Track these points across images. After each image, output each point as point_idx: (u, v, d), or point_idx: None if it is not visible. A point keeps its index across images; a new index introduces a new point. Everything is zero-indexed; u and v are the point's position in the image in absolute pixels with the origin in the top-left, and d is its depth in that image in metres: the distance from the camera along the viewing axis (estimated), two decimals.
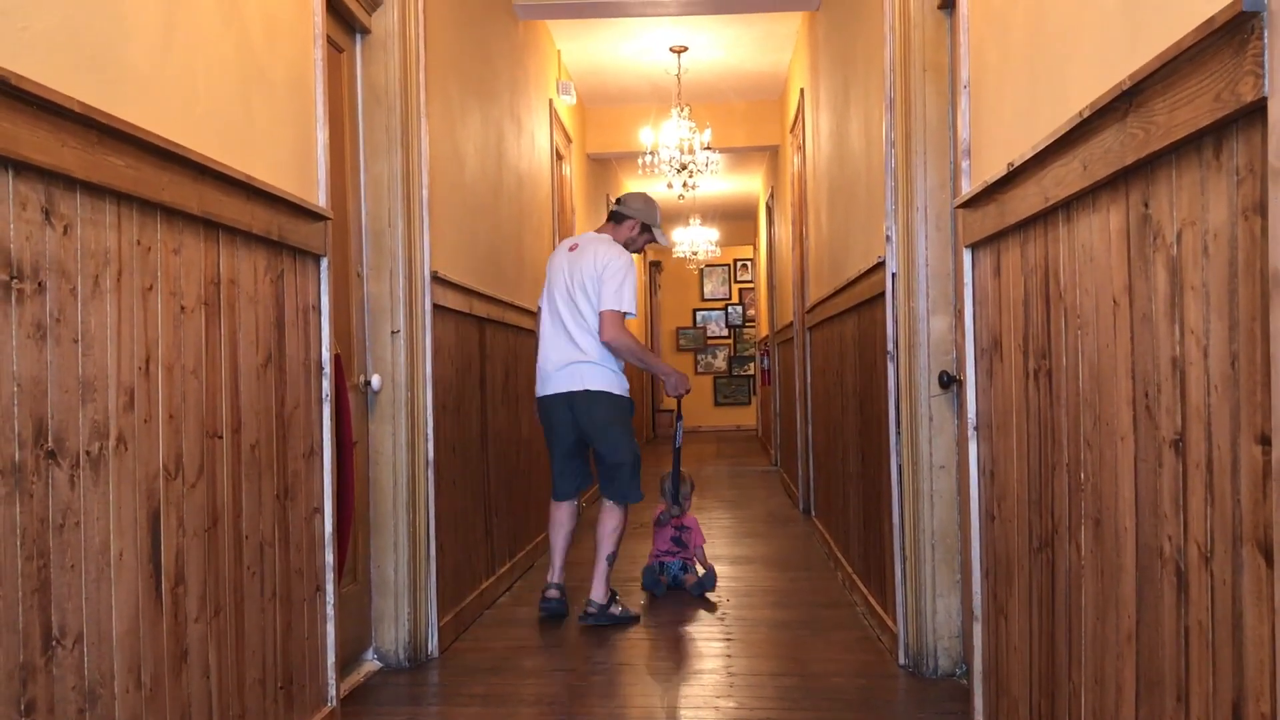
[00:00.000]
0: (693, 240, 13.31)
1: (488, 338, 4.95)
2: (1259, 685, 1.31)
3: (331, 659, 2.92)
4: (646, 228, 4.75)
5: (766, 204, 11.15)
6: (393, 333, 3.78)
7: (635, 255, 4.78)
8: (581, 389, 4.44)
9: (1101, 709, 1.88)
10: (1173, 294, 1.55)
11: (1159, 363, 1.60)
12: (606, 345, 4.38)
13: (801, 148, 7.20)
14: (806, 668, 3.75)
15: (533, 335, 5.06)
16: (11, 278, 1.62)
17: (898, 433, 3.67)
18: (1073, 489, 2.00)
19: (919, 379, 3.56)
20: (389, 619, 3.76)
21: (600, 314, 4.38)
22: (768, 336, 11.17)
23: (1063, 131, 1.89)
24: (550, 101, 7.22)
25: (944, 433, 3.54)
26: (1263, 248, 1.27)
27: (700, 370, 18.18)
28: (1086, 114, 1.77)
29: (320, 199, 2.92)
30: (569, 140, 8.13)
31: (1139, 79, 1.56)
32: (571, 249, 4.62)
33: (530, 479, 5.86)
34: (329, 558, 2.91)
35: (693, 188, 8.63)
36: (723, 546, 6.25)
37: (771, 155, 10.05)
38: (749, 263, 17.52)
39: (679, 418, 5.07)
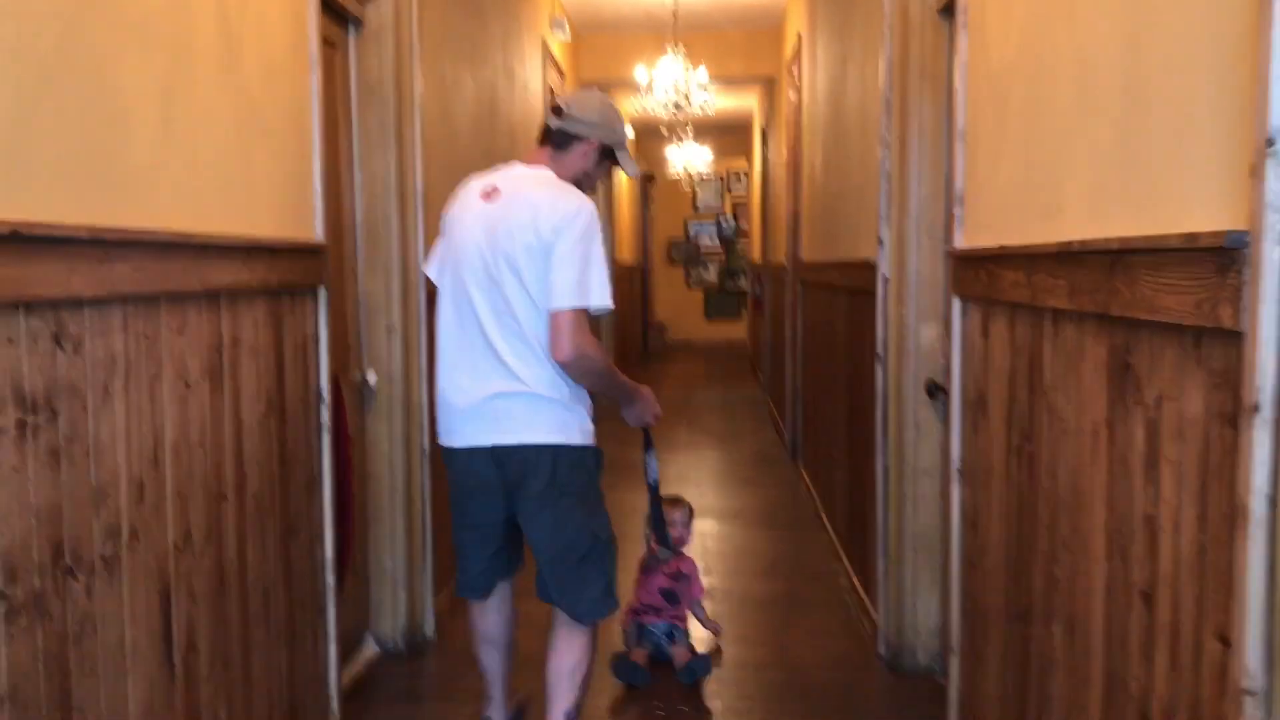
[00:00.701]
0: (687, 159, 13.18)
1: None
2: None
3: (334, 676, 3.04)
4: (609, 151, 2.92)
5: (762, 129, 11.06)
6: (388, 328, 3.82)
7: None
8: (513, 443, 2.71)
9: None
10: (1149, 454, 1.61)
11: (1134, 511, 1.66)
12: (563, 366, 2.64)
13: (798, 89, 7.13)
14: (789, 655, 3.89)
15: None
16: (26, 413, 1.66)
17: (884, 435, 3.75)
18: (1049, 581, 2.08)
19: (906, 386, 3.62)
20: (387, 607, 3.88)
21: (552, 315, 2.62)
22: (761, 265, 11.18)
23: (1053, 250, 1.92)
24: (544, 41, 7.12)
25: (930, 439, 3.62)
26: (1232, 472, 1.33)
27: (692, 284, 18.22)
28: (1076, 248, 1.80)
29: (317, 230, 2.93)
30: (562, 75, 8.04)
31: (1129, 245, 1.60)
32: (487, 195, 2.79)
33: None
34: (330, 580, 3.00)
35: (686, 131, 8.56)
36: (710, 496, 6.38)
37: (767, 83, 9.93)
38: (743, 174, 17.40)
39: (648, 447, 3.23)
